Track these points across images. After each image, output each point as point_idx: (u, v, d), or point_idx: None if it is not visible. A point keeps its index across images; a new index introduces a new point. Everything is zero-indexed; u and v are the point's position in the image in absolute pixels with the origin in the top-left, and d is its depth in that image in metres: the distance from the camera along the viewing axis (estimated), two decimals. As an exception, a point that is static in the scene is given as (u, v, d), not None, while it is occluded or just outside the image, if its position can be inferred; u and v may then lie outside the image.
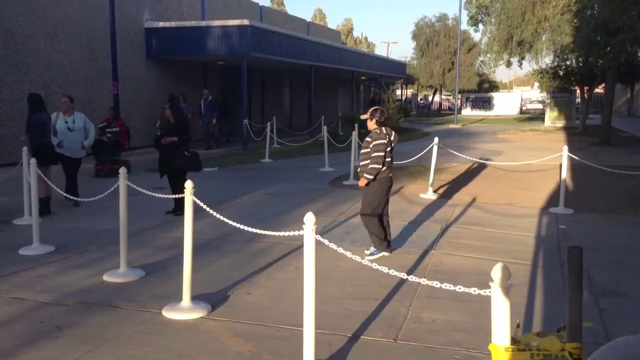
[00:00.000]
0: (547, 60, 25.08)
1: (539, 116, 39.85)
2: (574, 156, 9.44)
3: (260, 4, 28.05)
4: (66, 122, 8.78)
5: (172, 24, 19.54)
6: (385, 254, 6.05)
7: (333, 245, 3.50)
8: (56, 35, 15.72)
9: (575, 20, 19.15)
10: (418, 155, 11.45)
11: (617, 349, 2.01)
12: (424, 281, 3.32)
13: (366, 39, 77.17)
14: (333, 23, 79.46)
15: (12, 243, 6.66)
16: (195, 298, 4.65)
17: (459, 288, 3.00)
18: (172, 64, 20.29)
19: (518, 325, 2.86)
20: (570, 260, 2.69)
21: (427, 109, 55.75)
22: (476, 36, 49.29)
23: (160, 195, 5.91)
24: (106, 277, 5.40)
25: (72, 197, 8.08)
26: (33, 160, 6.82)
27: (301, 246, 3.46)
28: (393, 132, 6.23)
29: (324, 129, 15.05)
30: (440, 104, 60.34)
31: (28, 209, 7.73)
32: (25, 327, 4.27)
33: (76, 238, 7.00)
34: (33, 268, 5.76)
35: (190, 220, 4.51)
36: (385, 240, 6.07)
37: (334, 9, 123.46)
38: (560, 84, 27.38)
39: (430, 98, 61.44)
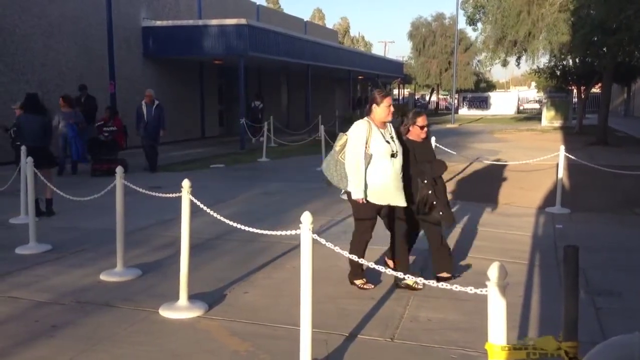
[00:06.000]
0: (543, 59, 25.14)
1: (535, 116, 39.91)
2: (570, 156, 9.46)
3: (257, 3, 28.04)
4: (386, 141, 4.95)
5: (169, 22, 19.52)
6: None
7: (330, 245, 3.49)
8: (52, 34, 15.68)
9: (571, 20, 19.17)
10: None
11: (613, 347, 2.02)
12: (420, 280, 3.32)
13: (363, 38, 77.19)
14: (329, 22, 79.40)
15: (8, 242, 6.64)
16: (192, 297, 4.64)
17: (456, 287, 3.01)
18: (169, 63, 20.27)
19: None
20: (567, 259, 2.70)
21: (424, 109, 55.80)
22: (473, 35, 49.48)
23: (157, 194, 5.90)
24: (103, 277, 5.39)
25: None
26: (30, 160, 6.81)
27: (298, 245, 3.46)
28: None
29: (322, 128, 15.04)
30: (437, 103, 60.42)
31: (24, 208, 7.71)
32: (21, 327, 4.26)
33: (73, 237, 6.98)
34: (29, 267, 5.74)
35: (188, 219, 4.50)
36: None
37: (329, 8, 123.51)
38: (557, 84, 27.44)
39: (427, 97, 61.49)
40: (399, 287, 5.00)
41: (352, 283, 5.08)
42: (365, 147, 4.80)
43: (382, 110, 4.87)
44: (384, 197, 4.87)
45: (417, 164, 5.11)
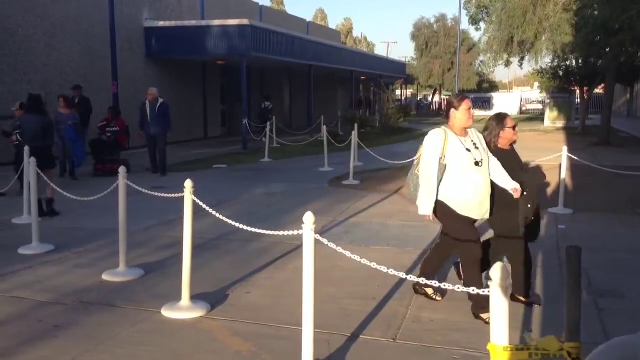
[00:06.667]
0: (546, 60, 25.12)
1: (538, 116, 39.84)
2: (573, 156, 9.44)
3: (260, 4, 28.05)
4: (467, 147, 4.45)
5: (172, 23, 19.54)
6: None
7: (332, 245, 3.49)
8: (55, 35, 15.71)
9: (575, 19, 19.15)
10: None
11: (615, 348, 2.01)
12: (423, 280, 3.32)
13: (366, 39, 77.25)
14: (332, 23, 79.41)
15: (11, 242, 6.65)
16: (195, 297, 4.64)
17: (458, 287, 3.01)
18: (172, 63, 20.29)
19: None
20: (569, 260, 2.69)
21: (426, 109, 55.75)
22: (476, 36, 49.43)
23: (160, 195, 5.90)
24: (105, 277, 5.40)
25: None
26: (32, 160, 6.82)
27: (300, 246, 3.46)
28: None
29: (324, 128, 15.05)
30: (440, 104, 60.39)
31: (27, 208, 7.72)
32: (24, 326, 4.27)
33: (75, 237, 6.99)
34: (32, 267, 5.75)
35: (190, 219, 4.50)
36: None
37: (333, 8, 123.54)
38: (560, 84, 27.40)
39: (429, 98, 61.46)
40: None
41: (478, 317, 4.35)
42: (441, 158, 4.31)
43: (462, 114, 4.35)
44: (469, 211, 4.37)
45: (510, 173, 4.50)
